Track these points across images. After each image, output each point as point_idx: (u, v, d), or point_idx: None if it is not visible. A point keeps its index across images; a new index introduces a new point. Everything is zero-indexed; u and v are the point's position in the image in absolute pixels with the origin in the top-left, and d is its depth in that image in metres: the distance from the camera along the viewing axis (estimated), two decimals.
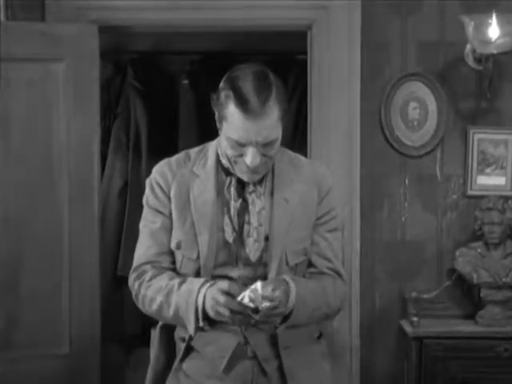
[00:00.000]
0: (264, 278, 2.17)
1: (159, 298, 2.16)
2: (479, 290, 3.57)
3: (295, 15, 3.69)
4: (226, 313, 2.01)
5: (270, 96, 2.06)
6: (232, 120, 2.07)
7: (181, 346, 2.24)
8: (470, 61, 3.64)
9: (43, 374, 3.39)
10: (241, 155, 2.11)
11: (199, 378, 2.21)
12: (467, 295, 3.68)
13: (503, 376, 3.41)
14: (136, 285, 2.23)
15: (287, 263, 2.19)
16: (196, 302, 2.07)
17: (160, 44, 4.67)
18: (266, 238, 2.18)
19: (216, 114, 2.16)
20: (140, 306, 2.25)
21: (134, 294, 2.26)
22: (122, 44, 4.63)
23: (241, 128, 2.06)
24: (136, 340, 4.53)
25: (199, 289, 2.08)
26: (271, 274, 2.17)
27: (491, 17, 3.36)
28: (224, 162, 2.21)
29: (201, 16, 3.69)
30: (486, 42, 3.37)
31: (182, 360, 2.24)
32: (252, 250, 2.16)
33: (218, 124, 2.18)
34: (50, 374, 3.41)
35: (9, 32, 3.30)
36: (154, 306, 2.18)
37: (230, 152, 2.13)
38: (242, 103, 2.04)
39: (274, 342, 2.19)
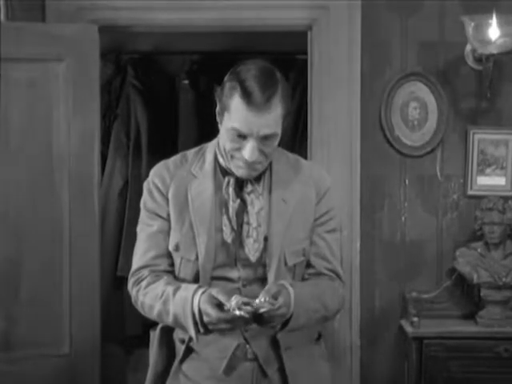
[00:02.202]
0: (263, 278, 2.17)
1: (157, 306, 2.16)
2: (479, 290, 3.56)
3: (295, 15, 3.69)
4: (220, 325, 2.01)
5: (276, 93, 2.07)
6: (235, 111, 2.07)
7: (180, 347, 2.24)
8: (470, 61, 3.64)
9: (43, 374, 3.39)
10: (239, 149, 2.10)
11: (199, 380, 2.21)
12: (467, 295, 3.67)
13: (503, 376, 3.40)
14: (134, 291, 2.24)
15: (286, 263, 2.19)
16: (192, 309, 2.06)
17: (160, 44, 4.67)
18: (265, 239, 2.18)
19: (218, 106, 2.17)
20: (140, 311, 2.26)
21: (133, 299, 2.27)
22: (122, 44, 4.63)
23: (243, 119, 2.06)
24: (136, 341, 4.53)
25: (193, 296, 2.07)
26: (270, 275, 2.16)
27: (491, 17, 3.36)
28: (221, 160, 2.21)
29: (201, 16, 3.69)
30: (486, 42, 3.37)
31: (182, 361, 2.24)
32: (252, 250, 2.16)
33: (218, 117, 2.18)
34: (50, 374, 3.40)
35: (9, 32, 3.29)
36: (154, 313, 2.19)
37: (228, 145, 2.13)
38: (248, 95, 2.04)
39: (274, 343, 2.19)
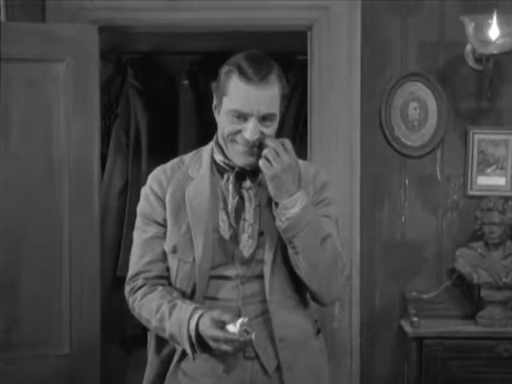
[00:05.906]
0: (261, 275, 2.17)
1: (153, 322, 2.18)
2: (479, 290, 3.57)
3: (295, 15, 3.70)
4: (229, 348, 2.03)
5: (272, 71, 2.11)
6: (234, 91, 2.10)
7: (179, 346, 2.24)
8: (470, 61, 3.64)
9: (43, 374, 3.39)
10: (239, 131, 2.11)
11: (198, 377, 2.20)
12: (467, 295, 3.67)
13: (503, 376, 3.41)
14: (130, 300, 2.26)
15: (282, 259, 2.18)
16: (188, 332, 2.08)
17: (160, 44, 4.67)
18: (261, 234, 2.17)
19: (214, 99, 2.18)
20: (138, 319, 2.27)
21: (130, 307, 2.28)
22: (122, 44, 4.62)
23: (242, 95, 2.08)
24: (136, 340, 4.53)
25: (189, 319, 2.08)
26: (266, 270, 2.16)
27: (491, 17, 3.36)
28: (219, 158, 2.21)
29: (201, 16, 3.69)
30: (486, 42, 3.37)
31: (181, 359, 2.23)
32: (246, 246, 2.16)
33: (214, 112, 2.19)
34: (50, 374, 3.41)
35: (9, 32, 3.30)
36: (151, 327, 2.21)
37: (228, 128, 2.13)
38: (245, 72, 2.08)
39: (273, 339, 2.18)
